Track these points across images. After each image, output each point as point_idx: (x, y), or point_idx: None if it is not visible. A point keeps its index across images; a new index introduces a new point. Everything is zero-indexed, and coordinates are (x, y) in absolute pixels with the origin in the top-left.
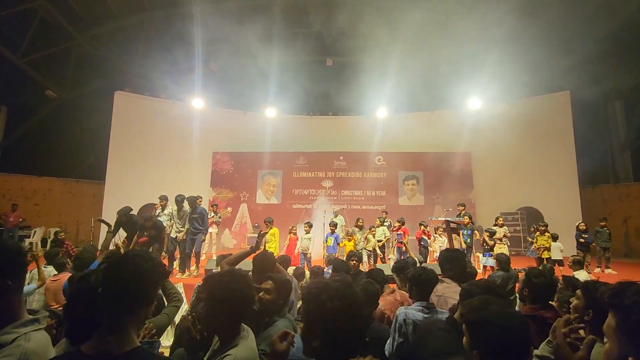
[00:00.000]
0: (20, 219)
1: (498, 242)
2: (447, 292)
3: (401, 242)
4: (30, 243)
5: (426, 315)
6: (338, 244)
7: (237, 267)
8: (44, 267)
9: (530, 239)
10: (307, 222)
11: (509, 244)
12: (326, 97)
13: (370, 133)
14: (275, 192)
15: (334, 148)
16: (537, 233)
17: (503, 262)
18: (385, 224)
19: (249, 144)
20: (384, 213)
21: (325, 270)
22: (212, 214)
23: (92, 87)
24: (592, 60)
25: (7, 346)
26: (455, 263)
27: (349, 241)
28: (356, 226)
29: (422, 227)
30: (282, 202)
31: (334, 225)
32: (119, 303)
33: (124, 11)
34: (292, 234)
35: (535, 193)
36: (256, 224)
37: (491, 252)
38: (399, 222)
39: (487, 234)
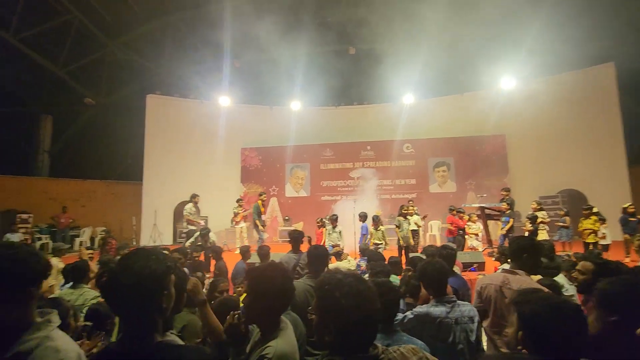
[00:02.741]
0: (71, 220)
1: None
2: (524, 287)
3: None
4: (81, 242)
5: (448, 310)
6: (364, 234)
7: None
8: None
9: (561, 223)
10: (333, 215)
11: (547, 229)
12: (351, 86)
13: (397, 120)
14: (303, 185)
15: (361, 138)
16: (582, 217)
17: (546, 249)
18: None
19: (275, 138)
20: (410, 202)
21: (358, 259)
22: (241, 210)
23: (126, 92)
24: (639, 27)
25: (34, 352)
26: (533, 252)
27: (377, 230)
28: (400, 215)
29: (460, 213)
30: (311, 195)
31: (362, 216)
32: (126, 309)
33: (150, 16)
34: (317, 227)
35: (578, 174)
36: (287, 217)
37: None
38: (452, 210)
39: (528, 220)
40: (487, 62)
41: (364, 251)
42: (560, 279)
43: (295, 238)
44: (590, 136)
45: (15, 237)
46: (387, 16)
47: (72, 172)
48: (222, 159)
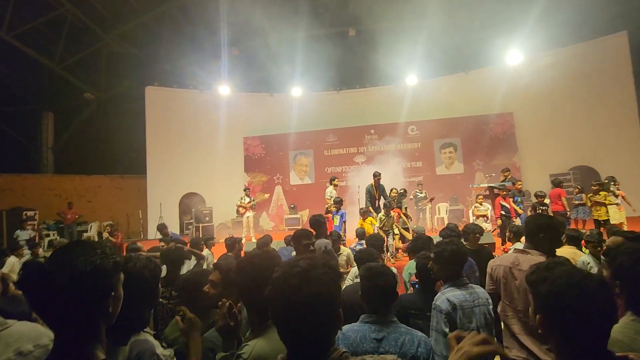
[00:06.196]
0: (77, 216)
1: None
2: None
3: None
4: (89, 237)
5: (466, 294)
6: (344, 222)
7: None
8: None
9: (575, 201)
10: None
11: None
12: (351, 69)
13: (400, 102)
14: (308, 172)
15: (364, 122)
16: (590, 194)
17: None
18: (420, 195)
19: (277, 126)
20: (419, 185)
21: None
22: (248, 199)
23: (125, 85)
24: None
25: None
26: (552, 232)
27: (388, 216)
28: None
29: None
30: (315, 182)
31: (338, 202)
32: (60, 317)
33: (145, 6)
34: (329, 213)
35: (590, 150)
36: (292, 205)
37: None
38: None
39: (541, 199)
40: (492, 37)
41: (360, 235)
42: (587, 257)
43: (320, 223)
44: (602, 110)
45: (24, 235)
46: None
47: (77, 168)
48: (225, 148)
